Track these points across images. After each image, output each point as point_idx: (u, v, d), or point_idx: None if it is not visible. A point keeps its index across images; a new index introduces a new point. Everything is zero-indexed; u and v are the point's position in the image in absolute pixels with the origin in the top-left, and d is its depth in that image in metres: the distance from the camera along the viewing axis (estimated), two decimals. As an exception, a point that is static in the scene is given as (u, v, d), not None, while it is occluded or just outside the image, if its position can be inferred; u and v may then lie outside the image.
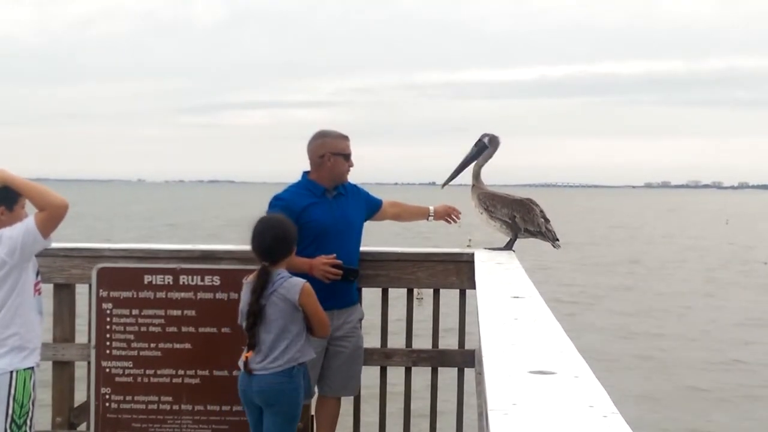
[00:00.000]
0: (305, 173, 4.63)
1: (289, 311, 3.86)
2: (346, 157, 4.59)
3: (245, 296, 3.96)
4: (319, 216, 4.45)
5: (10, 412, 3.64)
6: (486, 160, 4.88)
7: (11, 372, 3.66)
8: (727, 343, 15.31)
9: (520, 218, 4.74)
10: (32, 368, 3.75)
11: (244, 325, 3.91)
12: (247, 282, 3.98)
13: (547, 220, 4.81)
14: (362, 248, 4.67)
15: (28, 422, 3.72)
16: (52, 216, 3.60)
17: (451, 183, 4.97)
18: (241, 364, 3.95)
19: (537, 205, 4.83)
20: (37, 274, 3.87)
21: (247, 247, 4.87)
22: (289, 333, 3.86)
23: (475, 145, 4.87)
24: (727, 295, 22.24)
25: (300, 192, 4.56)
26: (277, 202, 4.51)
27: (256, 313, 3.84)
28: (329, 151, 4.53)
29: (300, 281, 3.91)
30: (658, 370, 13.17)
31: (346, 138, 4.62)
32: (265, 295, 3.85)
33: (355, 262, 4.56)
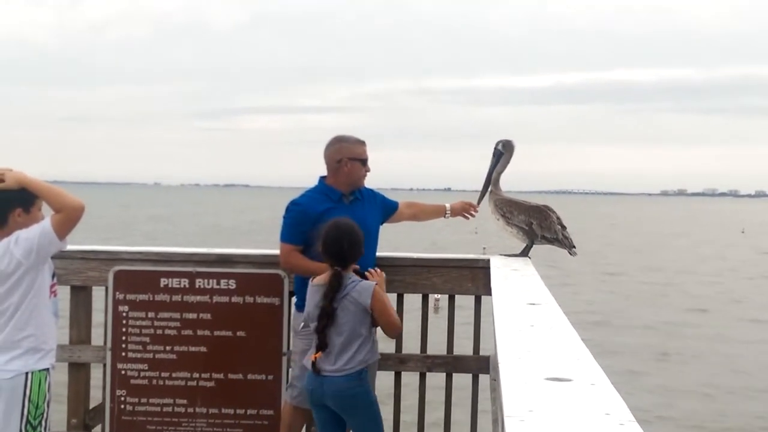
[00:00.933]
0: (322, 178, 4.62)
1: (359, 314, 3.91)
2: (363, 162, 4.58)
3: (313, 299, 3.99)
4: (336, 221, 4.44)
5: (26, 413, 3.65)
6: (504, 167, 4.88)
7: (26, 373, 3.67)
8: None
9: (536, 225, 4.73)
10: (47, 369, 3.76)
11: (312, 326, 3.96)
12: (314, 285, 4.01)
13: (563, 227, 4.80)
14: (378, 254, 4.65)
15: (43, 423, 3.72)
16: (68, 218, 3.61)
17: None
18: (308, 363, 4.00)
19: (554, 211, 4.82)
20: (53, 276, 3.88)
21: (263, 251, 4.87)
22: (359, 335, 3.93)
23: (493, 155, 4.88)
24: (755, 305, 22.07)
25: (317, 197, 4.55)
26: (294, 207, 4.51)
27: (330, 315, 3.89)
28: (346, 155, 4.53)
29: (371, 284, 3.96)
30: (674, 375, 13.09)
31: (363, 143, 4.61)
32: (338, 298, 3.89)
33: (371, 267, 4.54)
